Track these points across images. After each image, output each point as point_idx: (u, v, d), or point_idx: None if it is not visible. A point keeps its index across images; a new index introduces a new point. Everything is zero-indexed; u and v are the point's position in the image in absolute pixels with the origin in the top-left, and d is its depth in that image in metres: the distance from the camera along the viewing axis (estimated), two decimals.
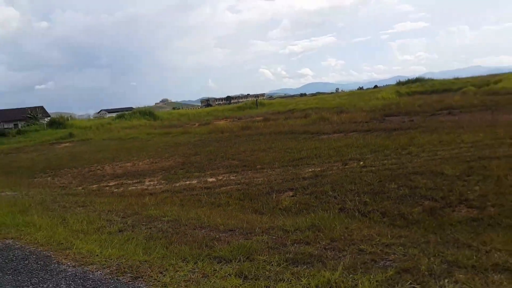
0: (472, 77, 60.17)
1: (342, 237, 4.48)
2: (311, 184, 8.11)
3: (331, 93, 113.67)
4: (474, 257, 3.62)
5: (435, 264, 3.52)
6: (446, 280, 3.21)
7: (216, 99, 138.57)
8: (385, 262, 3.71)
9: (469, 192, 6.42)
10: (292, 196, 7.52)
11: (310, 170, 9.62)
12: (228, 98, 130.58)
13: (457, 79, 56.04)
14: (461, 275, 3.26)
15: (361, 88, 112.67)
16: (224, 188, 8.60)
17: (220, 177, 9.83)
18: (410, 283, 3.21)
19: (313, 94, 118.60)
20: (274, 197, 7.44)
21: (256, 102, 46.80)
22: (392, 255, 3.86)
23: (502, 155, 8.73)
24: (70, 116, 63.15)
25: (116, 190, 9.26)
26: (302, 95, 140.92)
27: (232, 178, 9.68)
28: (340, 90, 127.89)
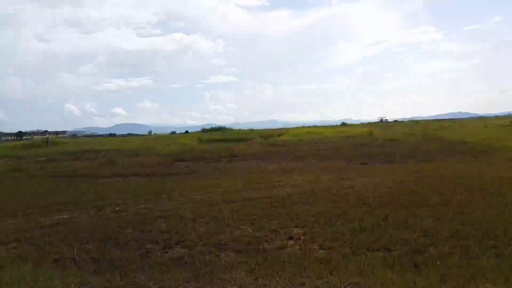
0: (264, 129, 69.72)
1: None
2: (46, 233, 7.44)
3: (143, 135, 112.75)
4: None
5: None
6: None
7: (4, 134, 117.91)
8: None
9: (192, 233, 7.01)
10: (14, 248, 6.69)
11: (56, 217, 8.88)
12: (20, 134, 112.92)
13: (252, 130, 63.91)
14: None
15: (173, 132, 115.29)
16: None
17: None
18: None
19: (124, 135, 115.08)
20: None
21: (47, 140, 41.82)
22: None
23: (241, 199, 10.03)
24: None
25: None
26: (111, 135, 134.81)
27: None
28: (153, 133, 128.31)
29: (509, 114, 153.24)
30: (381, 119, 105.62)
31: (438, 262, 4.73)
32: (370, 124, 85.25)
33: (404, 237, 6.06)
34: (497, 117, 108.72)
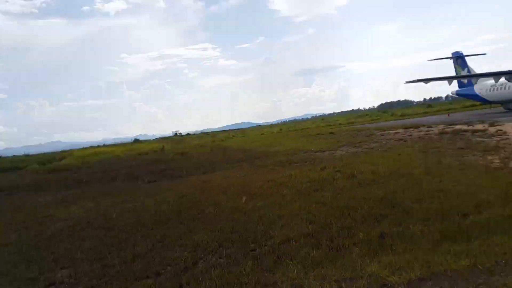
0: (44, 154, 61.28)
1: None
2: None
3: None
4: None
5: None
6: None
7: None
8: None
9: None
10: None
11: None
12: None
13: (27, 156, 55.08)
14: None
15: None
16: None
17: None
18: None
19: None
20: None
21: None
22: None
23: None
24: None
25: None
26: None
27: None
28: None
29: (281, 121, 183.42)
30: (175, 133, 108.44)
31: (200, 278, 4.85)
32: (163, 138, 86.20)
33: (177, 256, 6.06)
34: (272, 125, 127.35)
